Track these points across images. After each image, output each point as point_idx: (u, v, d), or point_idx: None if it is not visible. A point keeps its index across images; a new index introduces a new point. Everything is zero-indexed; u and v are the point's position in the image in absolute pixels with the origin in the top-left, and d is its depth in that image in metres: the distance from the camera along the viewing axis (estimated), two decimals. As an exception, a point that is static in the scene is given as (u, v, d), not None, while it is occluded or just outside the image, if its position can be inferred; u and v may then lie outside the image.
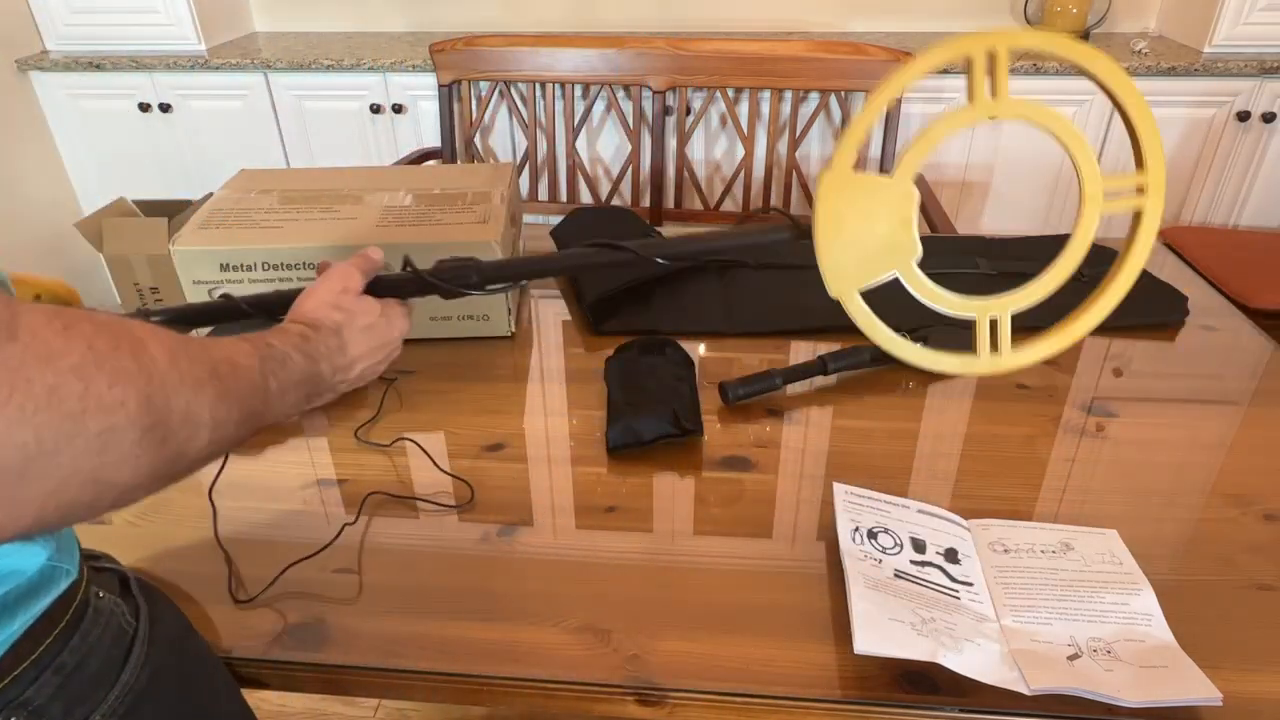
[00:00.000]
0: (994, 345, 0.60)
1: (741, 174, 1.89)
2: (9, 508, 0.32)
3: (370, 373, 0.65)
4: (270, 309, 0.71)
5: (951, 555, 0.68)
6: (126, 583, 0.51)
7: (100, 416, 0.34)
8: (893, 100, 0.52)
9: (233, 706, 0.57)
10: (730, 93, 1.91)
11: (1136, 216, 0.55)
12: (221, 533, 0.73)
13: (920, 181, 1.83)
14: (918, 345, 0.62)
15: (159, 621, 0.50)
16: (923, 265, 1.14)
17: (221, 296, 0.73)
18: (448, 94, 1.91)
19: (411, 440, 0.84)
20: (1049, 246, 1.21)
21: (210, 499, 0.76)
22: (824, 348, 0.97)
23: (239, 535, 0.73)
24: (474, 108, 1.97)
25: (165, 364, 0.38)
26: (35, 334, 0.32)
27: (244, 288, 0.97)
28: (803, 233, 0.62)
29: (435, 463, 0.81)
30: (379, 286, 0.70)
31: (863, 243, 0.58)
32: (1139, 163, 0.53)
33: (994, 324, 0.60)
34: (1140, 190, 0.53)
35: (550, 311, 1.10)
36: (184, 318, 0.74)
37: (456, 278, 0.72)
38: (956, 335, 0.97)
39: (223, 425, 0.43)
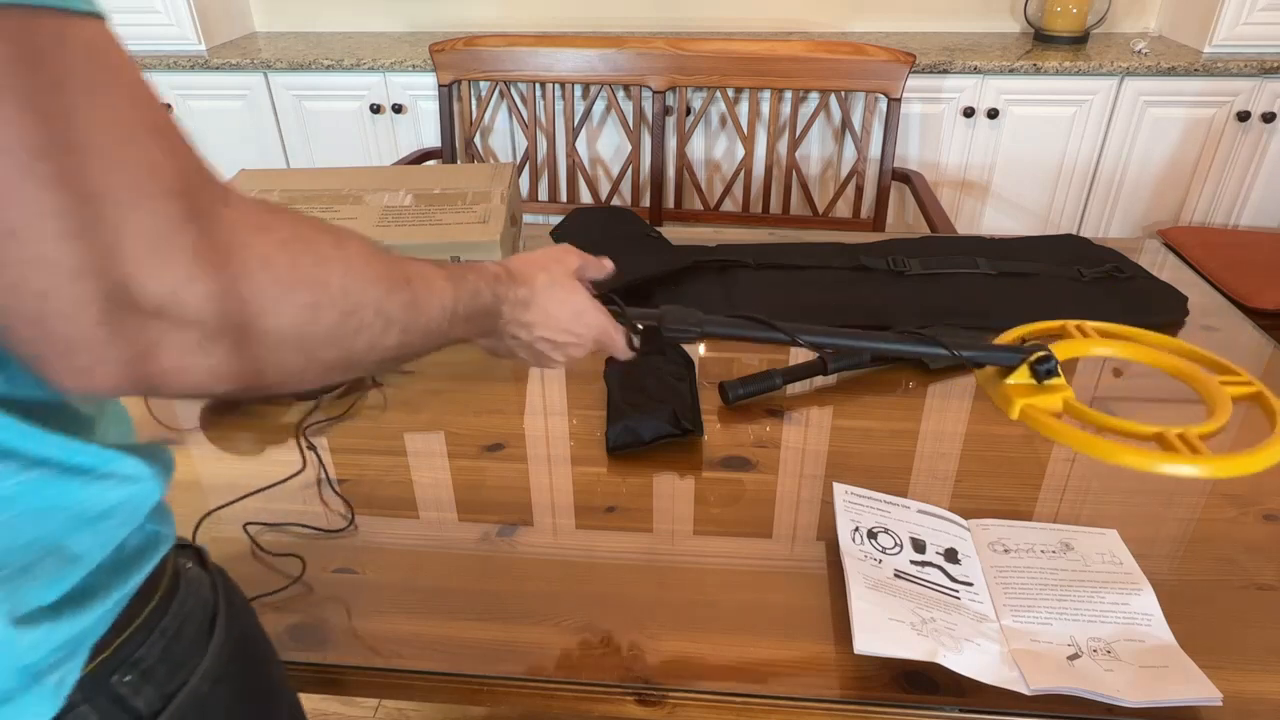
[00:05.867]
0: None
1: (741, 174, 1.89)
2: (233, 360, 0.35)
3: (546, 349, 0.61)
4: None
5: (951, 555, 0.68)
6: (203, 558, 0.51)
7: (306, 290, 0.37)
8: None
9: (290, 693, 0.57)
10: (730, 93, 1.91)
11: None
12: (206, 531, 0.73)
13: (920, 180, 1.83)
14: None
15: (232, 599, 0.50)
16: (924, 265, 1.14)
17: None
18: (448, 94, 1.91)
19: (308, 441, 0.84)
20: (1049, 246, 1.21)
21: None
22: (824, 348, 0.97)
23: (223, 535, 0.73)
24: (474, 108, 1.97)
25: (361, 260, 0.41)
26: (247, 208, 0.35)
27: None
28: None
29: (329, 478, 0.80)
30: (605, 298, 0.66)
31: None
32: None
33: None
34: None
35: (550, 311, 1.09)
36: None
37: (681, 324, 0.67)
38: (955, 335, 0.97)
39: (411, 330, 0.46)
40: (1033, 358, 0.68)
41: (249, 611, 0.53)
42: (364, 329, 0.41)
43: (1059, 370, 0.68)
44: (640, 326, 0.67)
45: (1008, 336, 0.77)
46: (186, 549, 0.50)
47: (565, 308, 0.61)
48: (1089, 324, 0.79)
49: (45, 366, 0.31)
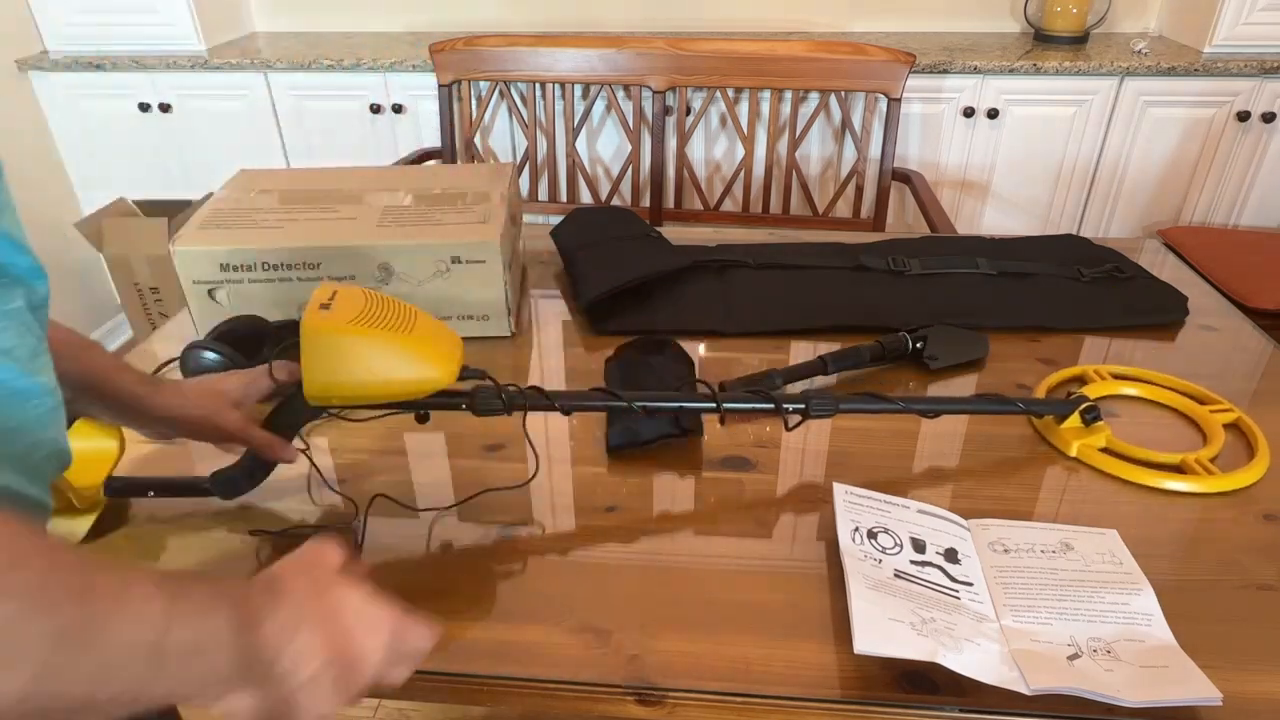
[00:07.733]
0: None
1: (741, 174, 1.89)
2: None
3: (334, 679, 0.45)
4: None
5: (951, 555, 0.68)
6: None
7: None
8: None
9: None
10: (730, 93, 1.91)
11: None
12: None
13: (920, 180, 1.83)
14: None
15: None
16: (924, 265, 1.14)
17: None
18: (448, 94, 1.91)
19: (304, 451, 0.78)
20: (1049, 246, 1.21)
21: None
22: (824, 347, 0.97)
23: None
24: (474, 108, 1.97)
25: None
26: None
27: (244, 287, 0.97)
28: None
29: (327, 479, 0.80)
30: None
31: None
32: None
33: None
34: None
35: (550, 311, 1.09)
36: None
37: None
38: (955, 334, 0.97)
39: (68, 668, 0.34)
40: (1082, 407, 0.82)
41: None
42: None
43: (1101, 416, 0.82)
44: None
45: (1042, 385, 0.91)
46: None
47: (344, 612, 0.47)
48: (1103, 368, 0.94)
49: None
